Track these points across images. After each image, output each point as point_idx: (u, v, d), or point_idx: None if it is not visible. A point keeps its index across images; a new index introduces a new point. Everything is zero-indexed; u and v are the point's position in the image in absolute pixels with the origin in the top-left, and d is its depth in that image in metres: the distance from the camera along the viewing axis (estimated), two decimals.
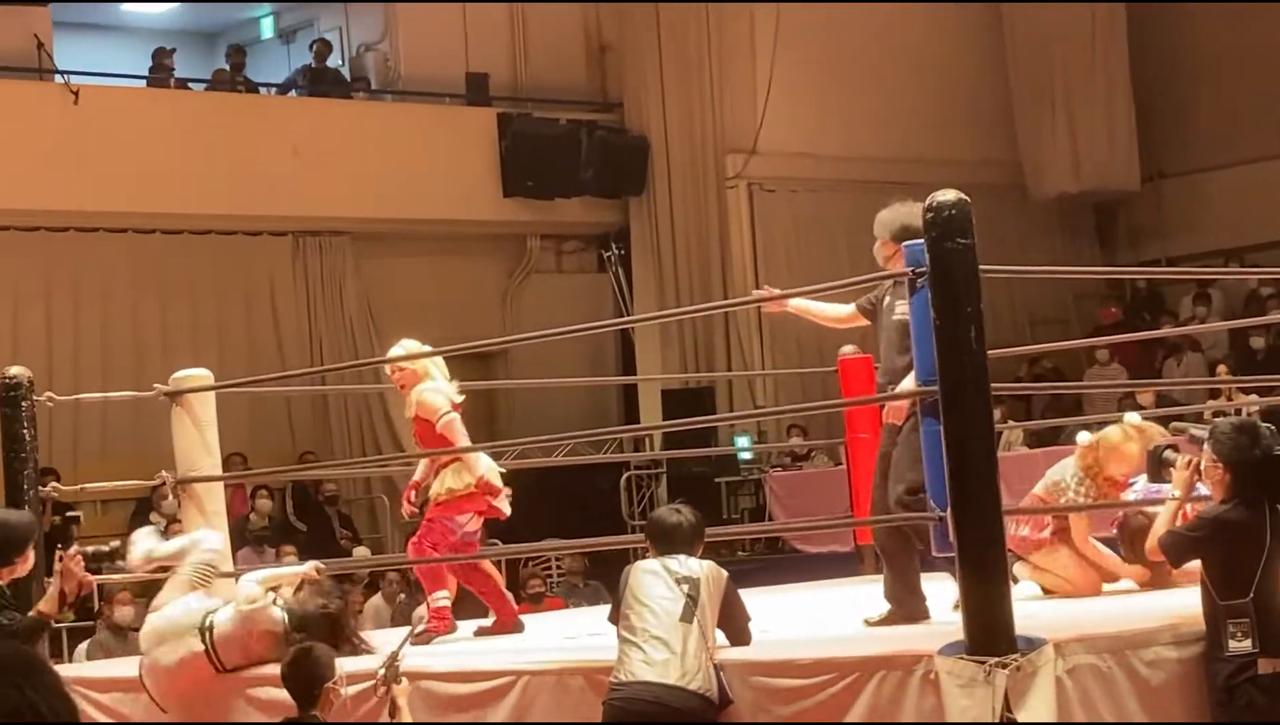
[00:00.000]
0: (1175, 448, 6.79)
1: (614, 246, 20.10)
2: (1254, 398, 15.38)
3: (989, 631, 5.71)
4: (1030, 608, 7.27)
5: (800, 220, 20.43)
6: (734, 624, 6.59)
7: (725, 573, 6.54)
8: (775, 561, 16.19)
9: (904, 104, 20.81)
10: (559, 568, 16.30)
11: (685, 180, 19.80)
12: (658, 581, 6.41)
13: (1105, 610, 7.42)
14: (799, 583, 11.79)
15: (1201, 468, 6.34)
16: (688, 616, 6.29)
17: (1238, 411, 15.57)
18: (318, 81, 19.15)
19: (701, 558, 6.60)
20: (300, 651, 6.72)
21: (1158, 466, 6.73)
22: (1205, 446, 6.28)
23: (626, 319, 18.94)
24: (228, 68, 19.01)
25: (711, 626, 6.37)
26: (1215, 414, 15.99)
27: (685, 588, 6.37)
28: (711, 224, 19.86)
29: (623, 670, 6.29)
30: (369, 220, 18.49)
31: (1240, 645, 5.99)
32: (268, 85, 19.45)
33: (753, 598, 7.99)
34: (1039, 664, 5.68)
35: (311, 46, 19.42)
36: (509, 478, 8.53)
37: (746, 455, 18.43)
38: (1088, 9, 21.33)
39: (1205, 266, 20.42)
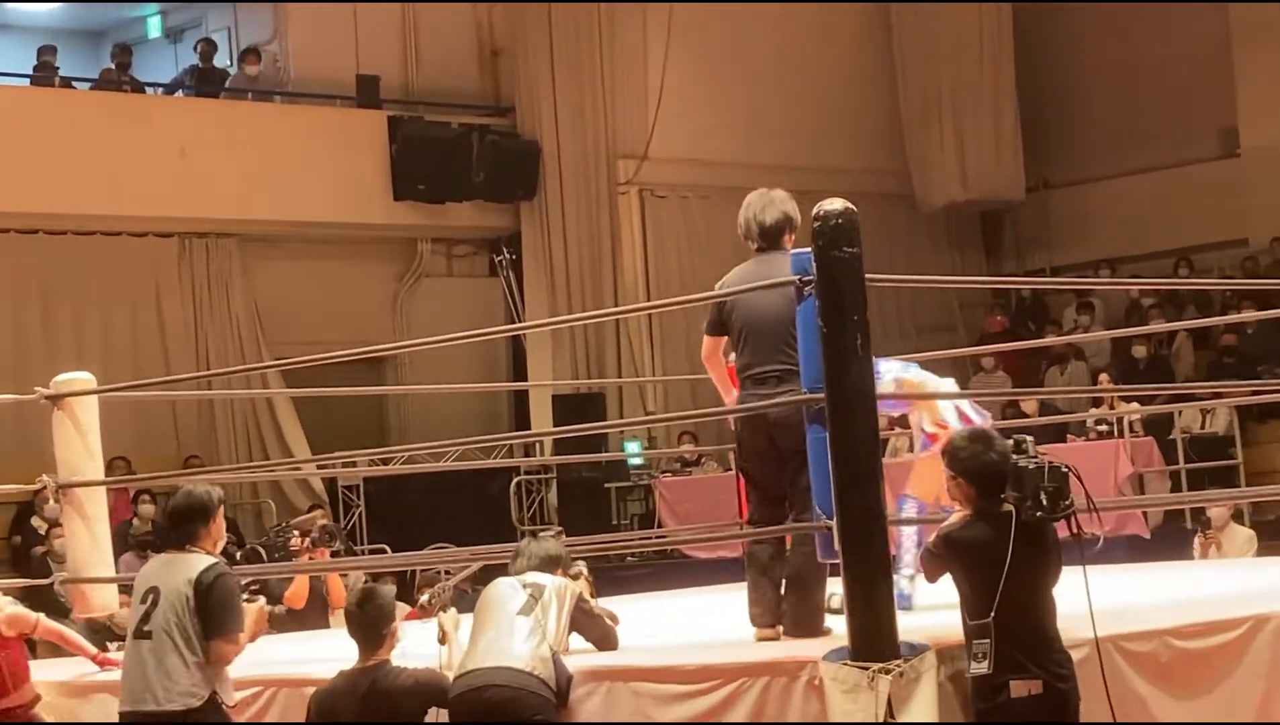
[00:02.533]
0: None
1: (505, 251, 20.06)
2: (1135, 406, 15.62)
3: (873, 638, 5.76)
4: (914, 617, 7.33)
5: (691, 226, 20.49)
6: (593, 632, 6.80)
7: (577, 588, 6.73)
8: (663, 567, 16.23)
9: (794, 113, 20.93)
10: (448, 575, 16.23)
11: (577, 185, 19.79)
12: (507, 588, 6.64)
13: None
14: (687, 588, 11.82)
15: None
16: (525, 611, 6.48)
17: (1119, 420, 15.85)
18: (205, 82, 18.98)
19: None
20: (367, 592, 6.64)
21: None
22: (943, 464, 6.11)
23: (518, 325, 18.90)
24: (113, 67, 18.81)
25: (555, 629, 6.49)
26: (1098, 422, 16.26)
27: (529, 590, 6.57)
28: (603, 229, 19.88)
29: (459, 667, 6.47)
30: (257, 222, 18.35)
31: (978, 667, 5.78)
32: (154, 85, 19.25)
33: (640, 603, 8.03)
34: (922, 670, 5.74)
35: (196, 47, 19.25)
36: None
37: (636, 461, 18.46)
38: (975, 22, 21.56)
39: (1088, 276, 20.68)
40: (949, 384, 8.62)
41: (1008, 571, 5.73)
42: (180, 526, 6.67)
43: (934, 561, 6.06)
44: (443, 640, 6.65)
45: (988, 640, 5.73)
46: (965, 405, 8.30)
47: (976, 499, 5.93)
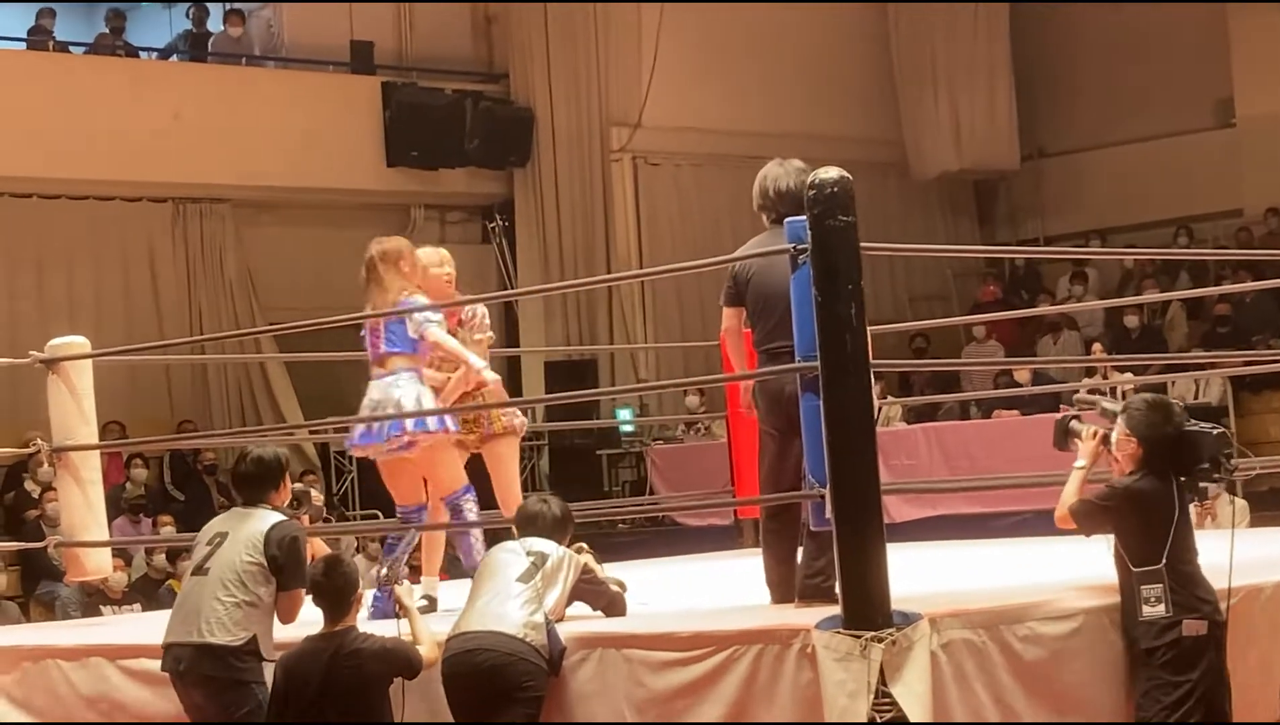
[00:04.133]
0: (1079, 418, 6.91)
1: (498, 218, 20.04)
2: (1128, 376, 15.64)
3: (865, 606, 5.77)
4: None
5: (684, 194, 20.47)
6: (600, 600, 6.81)
7: (581, 561, 6.73)
8: (655, 534, 16.25)
9: (788, 80, 20.90)
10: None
11: (570, 152, 19.77)
12: (509, 554, 6.65)
13: (981, 585, 7.51)
14: (679, 555, 11.85)
15: (1113, 440, 6.53)
16: (525, 578, 6.49)
17: (1112, 389, 15.87)
18: (198, 46, 18.93)
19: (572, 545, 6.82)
20: (332, 560, 6.67)
21: (1064, 436, 6.86)
22: (1119, 420, 6.49)
23: (510, 291, 18.90)
24: (108, 31, 18.77)
25: (554, 599, 6.51)
26: (1092, 391, 16.28)
27: (532, 559, 6.58)
28: (596, 196, 19.85)
29: (454, 628, 6.50)
30: (251, 188, 18.32)
31: (1154, 610, 6.24)
32: (149, 50, 19.21)
33: (632, 570, 8.05)
34: (914, 639, 5.75)
35: (188, 12, 19.19)
36: None
37: (628, 428, 18.47)
38: None
39: (1081, 246, 20.68)
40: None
41: (1176, 521, 6.29)
42: (250, 489, 6.92)
43: (1102, 513, 6.41)
44: (399, 614, 6.66)
45: (1160, 585, 6.24)
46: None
47: (1144, 460, 6.39)
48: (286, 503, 6.97)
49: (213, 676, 6.60)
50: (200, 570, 6.78)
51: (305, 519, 7.21)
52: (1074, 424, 6.80)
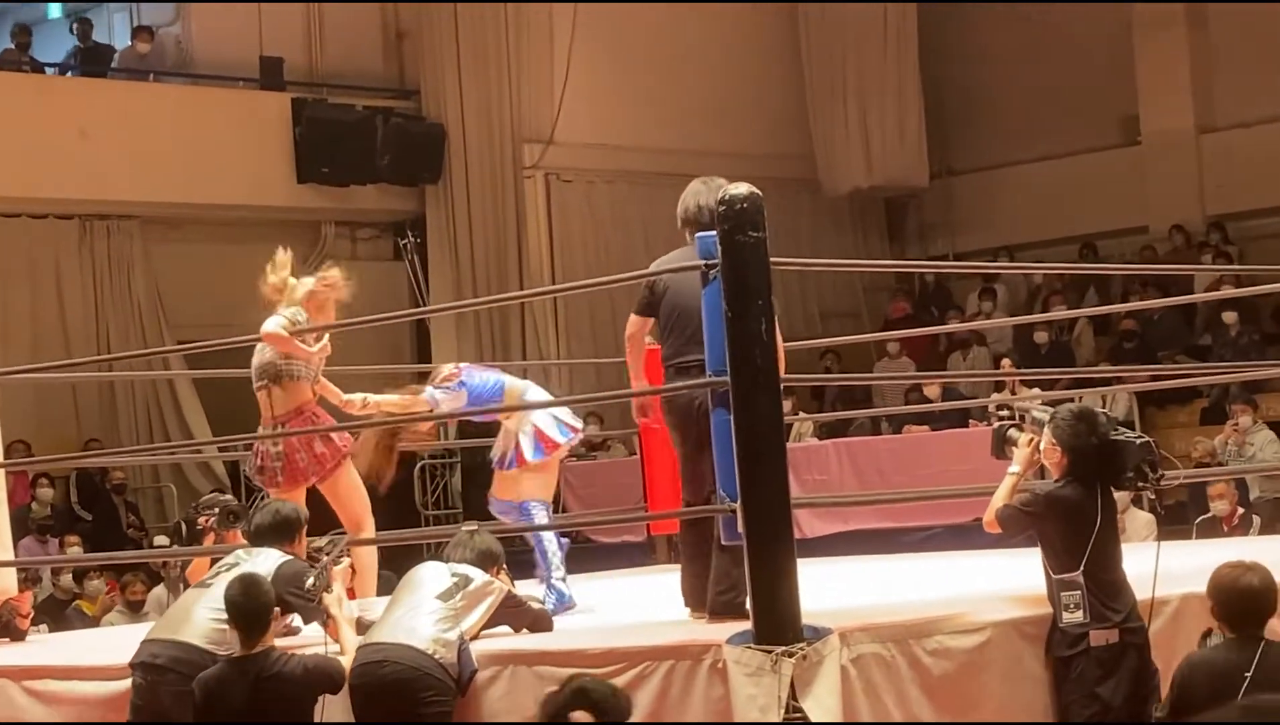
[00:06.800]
0: (1019, 427, 6.98)
1: (410, 234, 19.98)
2: (1036, 391, 15.77)
3: (776, 621, 5.79)
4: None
5: (597, 211, 20.48)
6: (524, 619, 6.83)
7: (505, 589, 6.74)
8: (568, 551, 16.19)
9: (700, 97, 20.96)
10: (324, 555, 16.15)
11: (482, 169, 19.73)
12: (434, 571, 6.68)
13: (891, 599, 7.55)
14: (592, 572, 11.83)
15: (1041, 448, 6.59)
16: (445, 596, 6.51)
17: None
18: (90, 61, 18.73)
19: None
20: (249, 579, 6.49)
21: (1001, 444, 6.91)
22: (1045, 429, 6.56)
23: (423, 309, 18.84)
24: (13, 47, 18.59)
25: (472, 622, 6.51)
26: (1000, 406, 16.41)
27: (455, 579, 6.60)
28: (508, 213, 19.82)
29: (365, 638, 6.52)
30: (159, 204, 18.17)
31: (1073, 617, 6.30)
32: (54, 65, 19.03)
33: (544, 587, 8.01)
34: (824, 653, 5.77)
35: (72, 28, 18.99)
36: None
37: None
38: (880, 9, 21.63)
39: (990, 262, 20.84)
40: (541, 392, 8.94)
41: (1097, 530, 6.32)
42: (263, 540, 6.97)
43: (1024, 518, 6.46)
44: (326, 624, 6.60)
45: (1079, 592, 6.29)
46: (561, 415, 8.70)
47: (1069, 468, 6.45)
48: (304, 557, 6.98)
49: (185, 675, 6.52)
50: (204, 584, 6.87)
51: (235, 536, 7.20)
52: (1011, 432, 6.86)
